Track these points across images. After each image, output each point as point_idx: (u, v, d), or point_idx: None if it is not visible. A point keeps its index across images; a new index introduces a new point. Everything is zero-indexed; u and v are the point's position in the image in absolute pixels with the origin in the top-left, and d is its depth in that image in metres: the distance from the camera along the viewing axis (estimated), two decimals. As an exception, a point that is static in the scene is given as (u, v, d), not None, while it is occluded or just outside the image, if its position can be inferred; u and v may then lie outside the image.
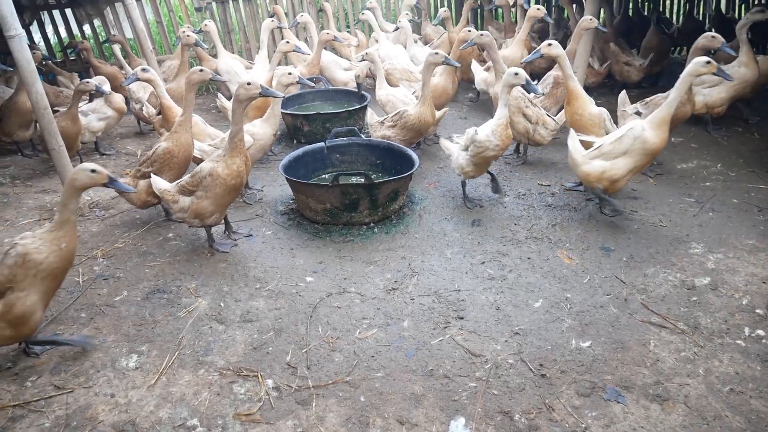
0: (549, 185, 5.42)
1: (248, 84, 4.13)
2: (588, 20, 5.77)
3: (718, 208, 4.84)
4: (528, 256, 4.31)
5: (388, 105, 6.12)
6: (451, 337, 3.51)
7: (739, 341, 3.37)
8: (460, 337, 3.50)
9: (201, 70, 4.65)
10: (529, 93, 4.99)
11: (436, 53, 5.32)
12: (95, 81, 6.14)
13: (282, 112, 6.71)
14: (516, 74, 4.52)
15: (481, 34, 5.63)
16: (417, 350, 3.41)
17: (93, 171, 3.35)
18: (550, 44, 4.90)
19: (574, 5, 8.43)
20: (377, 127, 5.78)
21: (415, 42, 8.52)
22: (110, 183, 3.41)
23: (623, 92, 5.58)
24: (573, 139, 4.56)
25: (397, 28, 8.38)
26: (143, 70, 5.51)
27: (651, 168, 5.54)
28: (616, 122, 5.35)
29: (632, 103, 5.61)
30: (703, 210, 4.82)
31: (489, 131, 4.60)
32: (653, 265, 4.13)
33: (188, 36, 6.62)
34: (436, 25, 9.08)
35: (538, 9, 6.55)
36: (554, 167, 5.85)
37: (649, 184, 5.34)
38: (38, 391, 3.23)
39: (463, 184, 5.12)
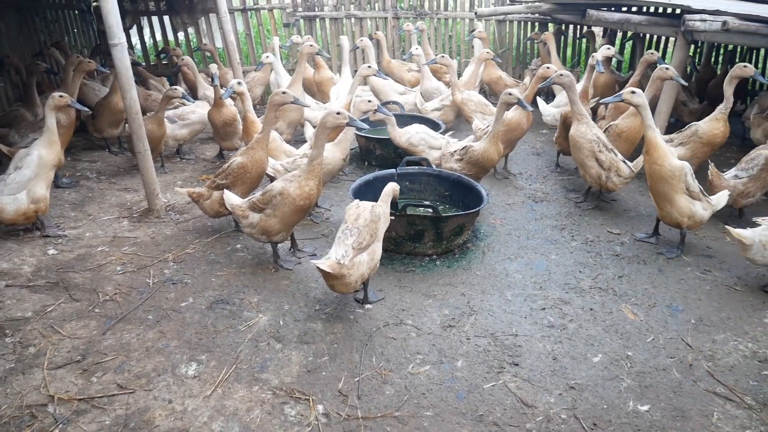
0: (619, 234, 5.28)
1: (338, 113, 4.26)
2: (664, 69, 5.62)
3: (801, 276, 4.59)
4: (591, 307, 4.21)
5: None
6: (504, 383, 3.47)
7: (811, 425, 3.18)
8: (513, 385, 3.45)
9: (284, 93, 4.82)
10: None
11: (510, 94, 5.33)
12: (212, 70, 6.77)
13: (356, 134, 6.85)
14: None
15: (561, 74, 5.58)
16: (468, 392, 3.39)
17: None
18: (633, 92, 4.80)
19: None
20: (448, 158, 5.80)
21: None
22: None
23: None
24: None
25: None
26: (239, 83, 5.79)
27: (732, 221, 5.35)
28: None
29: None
30: (783, 277, 4.58)
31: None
32: (723, 331, 3.95)
33: (311, 45, 6.89)
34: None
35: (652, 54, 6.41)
36: (626, 215, 5.70)
37: (725, 243, 5.12)
38: (102, 387, 3.40)
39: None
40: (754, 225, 4.42)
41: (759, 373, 3.56)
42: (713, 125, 5.58)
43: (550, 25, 10.31)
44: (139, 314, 4.10)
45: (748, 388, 3.44)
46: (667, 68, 5.64)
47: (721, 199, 4.82)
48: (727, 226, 4.45)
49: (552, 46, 8.77)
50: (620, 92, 5.00)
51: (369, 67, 6.33)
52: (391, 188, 4.24)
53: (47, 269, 4.69)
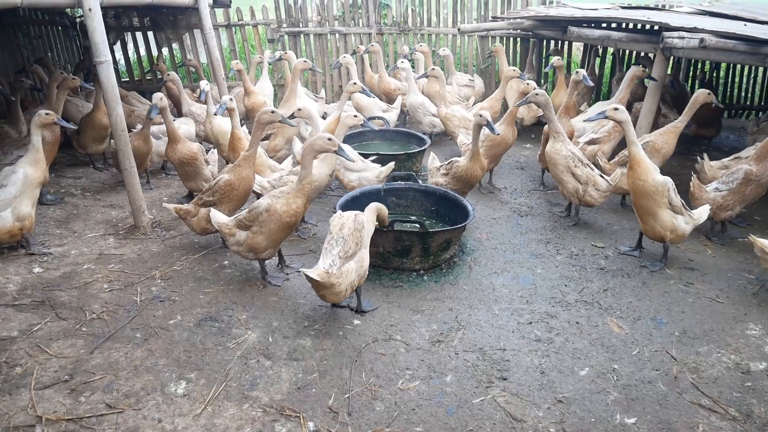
0: (603, 247, 5.37)
1: (329, 139, 4.31)
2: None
3: (780, 288, 4.69)
4: (577, 321, 4.26)
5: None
6: (493, 397, 3.50)
7: (793, 435, 3.25)
8: (502, 399, 3.48)
9: (272, 112, 4.85)
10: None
11: (480, 116, 5.44)
12: (202, 86, 6.63)
13: (342, 150, 6.89)
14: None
15: (537, 93, 5.68)
16: (458, 408, 3.41)
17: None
18: (616, 108, 4.91)
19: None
20: (434, 172, 5.87)
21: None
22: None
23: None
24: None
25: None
26: (231, 99, 5.82)
27: (713, 234, 5.47)
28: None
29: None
30: (764, 289, 4.67)
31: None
32: (707, 343, 4.03)
33: (305, 61, 6.92)
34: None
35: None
36: (609, 228, 5.79)
37: (707, 255, 5.22)
38: (91, 407, 3.37)
39: None
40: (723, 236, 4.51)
41: (742, 385, 3.63)
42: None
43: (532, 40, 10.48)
44: (127, 332, 4.08)
45: (732, 400, 3.50)
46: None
47: (702, 213, 4.93)
48: (751, 236, 4.50)
49: (502, 59, 8.97)
50: (604, 110, 5.10)
51: (354, 83, 6.39)
52: (372, 210, 4.31)
53: (33, 288, 4.65)
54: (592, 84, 6.77)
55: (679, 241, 4.93)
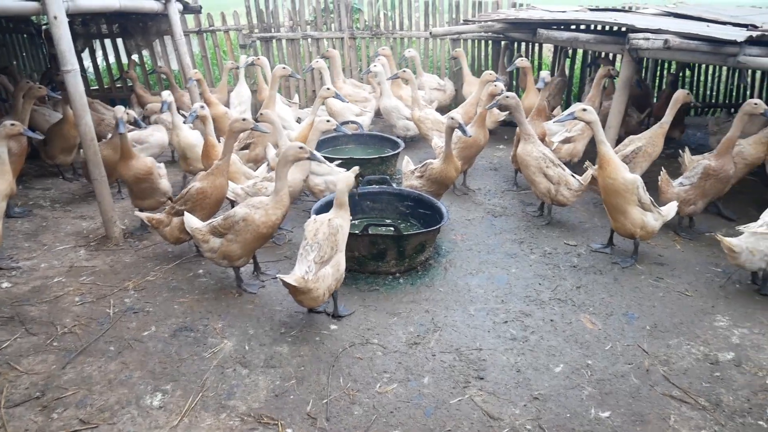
0: (575, 245, 5.45)
1: (300, 147, 4.31)
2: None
3: (745, 280, 4.80)
4: (551, 318, 4.32)
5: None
6: (470, 397, 3.53)
7: (761, 422, 3.33)
8: (479, 398, 3.52)
9: (244, 120, 4.83)
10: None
11: (452, 118, 5.51)
12: (164, 96, 6.40)
13: (316, 155, 6.88)
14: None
15: (507, 96, 5.75)
16: (436, 409, 3.44)
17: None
18: (585, 109, 4.98)
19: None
20: (409, 175, 5.90)
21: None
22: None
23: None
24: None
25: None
26: (202, 107, 5.75)
27: (681, 229, 5.59)
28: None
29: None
30: (730, 281, 4.79)
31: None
32: (677, 335, 4.11)
33: (284, 68, 6.81)
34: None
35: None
36: (581, 226, 5.88)
37: (676, 250, 5.33)
38: (64, 424, 3.32)
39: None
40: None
41: (711, 375, 3.72)
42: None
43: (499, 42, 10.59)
44: (100, 346, 4.03)
45: (701, 390, 3.58)
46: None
47: (670, 209, 5.03)
48: (717, 235, 4.59)
49: (464, 63, 9.07)
50: (573, 110, 5.19)
51: (328, 89, 6.40)
52: (345, 182, 4.23)
53: (1, 303, 4.55)
54: (544, 85, 6.87)
55: (649, 238, 5.02)
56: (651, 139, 5.94)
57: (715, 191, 5.43)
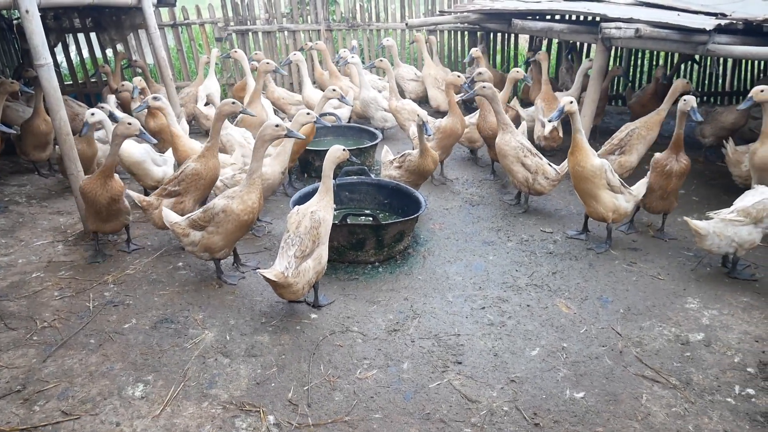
0: (551, 232, 5.55)
1: (276, 125, 4.32)
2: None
3: (715, 263, 4.94)
4: (528, 304, 4.41)
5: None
6: (449, 381, 3.60)
7: (729, 399, 3.45)
8: (458, 382, 3.59)
9: (233, 103, 4.84)
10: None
11: (418, 115, 5.67)
12: (135, 82, 6.36)
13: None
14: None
15: (484, 86, 5.82)
16: (415, 393, 3.51)
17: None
18: (571, 102, 5.04)
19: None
20: (387, 166, 5.96)
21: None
22: None
23: None
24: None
25: None
26: (155, 98, 5.71)
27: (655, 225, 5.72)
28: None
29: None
30: (701, 265, 4.93)
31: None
32: (649, 318, 4.23)
33: (268, 63, 6.72)
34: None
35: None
36: (557, 214, 5.98)
37: (648, 236, 5.45)
38: (46, 416, 3.33)
39: None
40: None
41: (682, 355, 3.83)
42: None
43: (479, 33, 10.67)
44: (81, 339, 4.03)
45: (672, 370, 3.70)
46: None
47: (640, 188, 5.14)
48: (686, 218, 4.70)
49: (422, 46, 9.28)
50: (562, 106, 5.22)
51: (334, 89, 6.41)
52: (334, 155, 4.29)
53: (-21, 299, 4.53)
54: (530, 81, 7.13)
55: (622, 219, 5.14)
56: (646, 123, 6.05)
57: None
